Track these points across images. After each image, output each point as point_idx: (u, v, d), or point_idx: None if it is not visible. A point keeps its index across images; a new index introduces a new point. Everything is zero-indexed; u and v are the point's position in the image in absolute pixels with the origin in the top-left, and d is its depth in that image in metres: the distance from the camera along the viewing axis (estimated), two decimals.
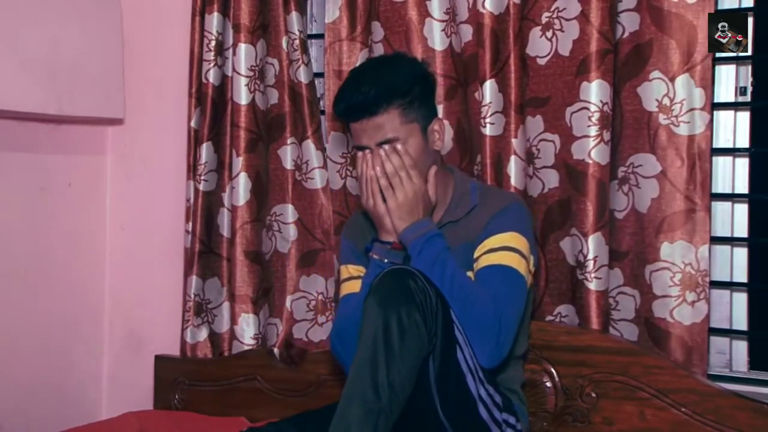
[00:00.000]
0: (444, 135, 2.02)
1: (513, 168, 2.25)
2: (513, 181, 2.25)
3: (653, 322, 2.16)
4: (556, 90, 2.22)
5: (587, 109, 2.15)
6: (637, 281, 2.18)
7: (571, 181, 2.20)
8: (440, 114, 2.34)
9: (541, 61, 2.24)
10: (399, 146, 1.91)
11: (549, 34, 2.23)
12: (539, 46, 2.25)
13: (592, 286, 2.16)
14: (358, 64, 2.34)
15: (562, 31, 2.21)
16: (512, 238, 1.93)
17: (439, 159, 2.04)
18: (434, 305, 1.75)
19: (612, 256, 2.19)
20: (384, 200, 1.92)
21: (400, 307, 1.70)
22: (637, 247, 2.18)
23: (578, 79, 2.17)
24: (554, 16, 2.21)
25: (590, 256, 2.15)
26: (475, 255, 1.95)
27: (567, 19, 2.20)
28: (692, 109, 2.11)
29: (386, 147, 1.91)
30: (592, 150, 2.15)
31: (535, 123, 2.25)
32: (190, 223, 2.60)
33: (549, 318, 2.27)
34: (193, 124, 2.61)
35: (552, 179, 2.24)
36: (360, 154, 1.95)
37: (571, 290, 2.23)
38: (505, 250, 1.92)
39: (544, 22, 2.23)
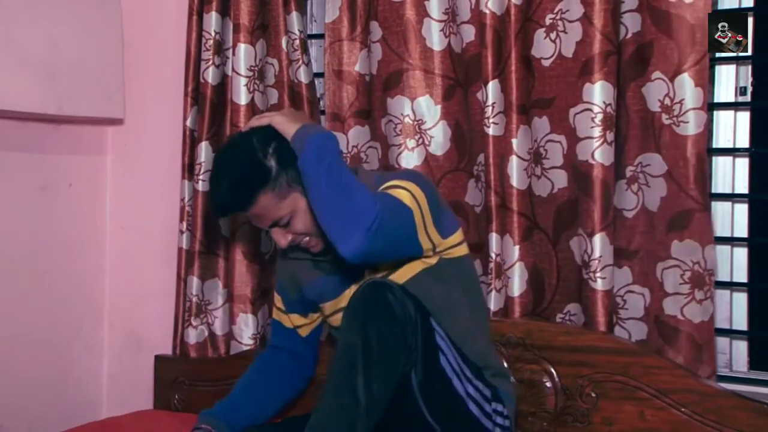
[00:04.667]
0: None
1: (513, 168, 2.25)
2: (513, 181, 2.26)
3: (663, 320, 2.15)
4: (560, 91, 2.22)
5: (590, 110, 2.15)
6: (647, 279, 2.18)
7: (577, 181, 2.20)
8: (438, 114, 2.36)
9: (546, 63, 2.24)
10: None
11: (553, 35, 2.22)
12: (543, 47, 2.24)
13: (597, 285, 2.15)
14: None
15: (566, 33, 2.20)
16: (398, 182, 1.84)
17: None
18: (413, 317, 1.73)
19: (621, 254, 2.19)
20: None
21: (379, 322, 1.69)
22: (648, 245, 2.17)
23: (582, 81, 2.17)
24: (557, 17, 2.21)
25: (594, 255, 2.15)
26: None
27: (570, 21, 2.19)
28: (691, 109, 2.11)
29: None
30: (595, 151, 2.15)
31: (542, 123, 2.25)
32: (185, 223, 2.61)
33: (559, 316, 2.26)
34: (188, 123, 2.61)
35: (561, 179, 2.24)
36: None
37: (578, 289, 2.22)
38: (391, 188, 1.83)
39: (547, 23, 2.23)
